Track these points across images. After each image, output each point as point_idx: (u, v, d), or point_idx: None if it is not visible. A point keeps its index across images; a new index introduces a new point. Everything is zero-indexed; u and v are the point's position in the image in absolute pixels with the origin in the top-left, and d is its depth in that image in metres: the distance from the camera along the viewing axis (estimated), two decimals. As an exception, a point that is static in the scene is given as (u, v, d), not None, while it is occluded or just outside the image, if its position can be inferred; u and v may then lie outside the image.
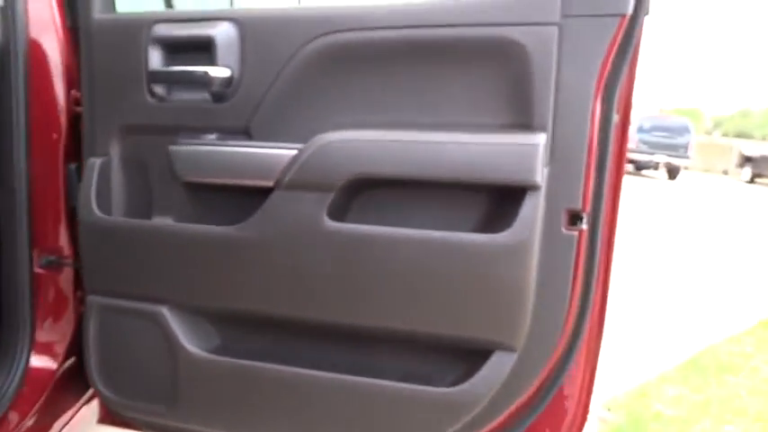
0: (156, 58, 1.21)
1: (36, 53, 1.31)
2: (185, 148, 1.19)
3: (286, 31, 1.13)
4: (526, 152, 1.03)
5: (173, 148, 1.19)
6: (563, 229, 1.08)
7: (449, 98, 1.10)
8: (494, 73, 1.07)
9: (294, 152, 1.12)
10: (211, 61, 1.17)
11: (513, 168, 1.03)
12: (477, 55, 1.07)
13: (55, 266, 1.44)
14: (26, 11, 1.28)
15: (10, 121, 1.31)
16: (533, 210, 1.05)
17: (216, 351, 1.27)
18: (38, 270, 1.43)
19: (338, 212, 1.13)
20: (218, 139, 1.19)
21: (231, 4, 3.03)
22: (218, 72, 1.16)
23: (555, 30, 1.01)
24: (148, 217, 1.30)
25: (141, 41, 1.20)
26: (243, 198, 1.21)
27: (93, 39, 1.23)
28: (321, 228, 1.12)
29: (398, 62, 1.11)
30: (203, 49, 1.18)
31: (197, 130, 1.21)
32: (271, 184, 1.14)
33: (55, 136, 1.36)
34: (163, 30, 1.20)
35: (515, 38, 1.03)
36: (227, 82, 1.17)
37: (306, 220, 1.12)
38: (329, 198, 1.11)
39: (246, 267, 1.18)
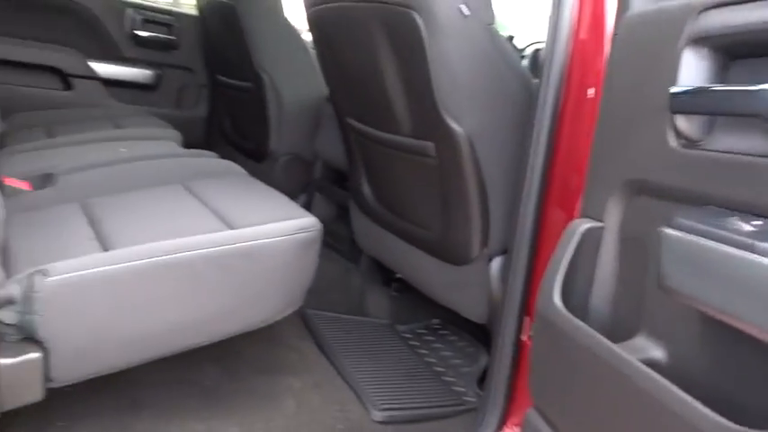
0: (695, 71, 0.68)
1: (574, 70, 0.99)
2: (686, 239, 0.62)
3: None
4: None
5: (667, 232, 0.65)
6: None
7: None
8: None
9: None
10: None
11: None
12: None
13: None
14: (574, 15, 0.97)
15: (527, 152, 1.05)
16: None
17: None
18: (524, 339, 1.15)
19: None
20: (761, 231, 0.57)
21: None
22: None
23: None
24: (633, 330, 0.79)
25: (677, 44, 0.69)
26: None
27: (618, 44, 0.81)
28: None
29: None
30: None
31: (736, 208, 0.63)
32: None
33: (579, 180, 1.02)
34: (715, 20, 0.65)
35: None
36: None
37: None
38: None
39: None
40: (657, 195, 0.75)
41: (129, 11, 2.46)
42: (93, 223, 1.15)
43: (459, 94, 1.11)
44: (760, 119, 0.60)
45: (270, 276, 1.10)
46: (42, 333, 0.89)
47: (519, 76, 1.17)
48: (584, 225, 0.85)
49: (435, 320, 1.81)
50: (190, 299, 1.01)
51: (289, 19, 2.05)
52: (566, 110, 1.02)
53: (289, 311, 1.18)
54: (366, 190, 1.64)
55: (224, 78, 2.34)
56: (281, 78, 2.06)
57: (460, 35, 1.07)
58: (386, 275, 1.86)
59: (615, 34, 0.84)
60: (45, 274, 0.90)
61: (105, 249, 1.00)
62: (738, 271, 0.56)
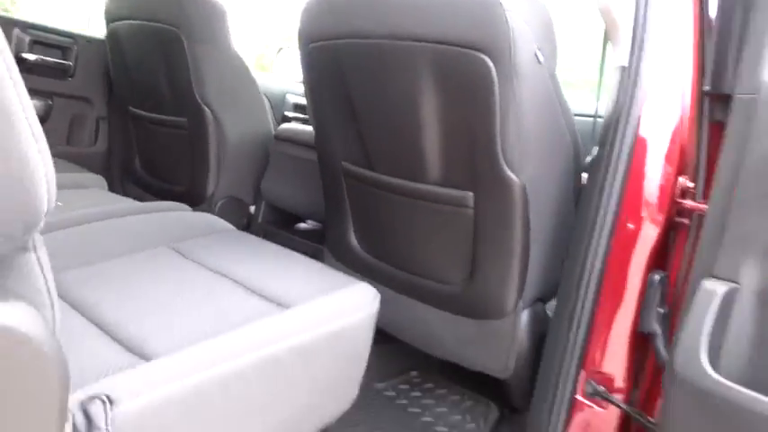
0: None
1: (648, 123, 1.00)
2: None
3: None
4: None
5: None
6: None
7: None
8: None
9: None
10: None
11: None
12: None
13: (598, 400, 1.09)
14: (650, 70, 0.98)
15: (597, 202, 1.03)
16: None
17: None
18: (578, 396, 1.11)
19: None
20: None
21: None
22: None
23: None
24: None
25: None
26: None
27: (743, 118, 0.82)
28: None
29: None
30: None
31: None
32: None
33: (644, 232, 1.02)
34: None
35: None
36: None
37: None
38: None
39: None
40: None
41: (17, 30, 2.07)
42: (92, 316, 0.89)
43: (524, 144, 1.06)
44: None
45: (346, 359, 0.95)
46: None
47: (571, 126, 1.16)
48: (719, 287, 0.83)
49: (414, 372, 1.72)
50: (270, 401, 0.83)
51: (236, 49, 1.86)
52: (636, 153, 1.01)
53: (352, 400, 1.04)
54: (353, 240, 1.51)
55: (141, 111, 2.05)
56: (226, 114, 1.85)
57: (534, 81, 1.03)
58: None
59: (747, 97, 0.84)
60: (110, 401, 0.66)
61: (142, 356, 0.77)
62: None
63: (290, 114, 2.60)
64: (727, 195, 0.83)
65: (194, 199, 1.96)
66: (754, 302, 0.81)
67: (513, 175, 1.09)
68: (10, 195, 0.49)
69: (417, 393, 1.62)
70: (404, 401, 1.57)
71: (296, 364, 0.86)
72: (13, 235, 0.51)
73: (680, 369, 0.83)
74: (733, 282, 0.82)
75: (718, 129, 0.91)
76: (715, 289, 0.82)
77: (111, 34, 2.01)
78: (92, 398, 0.66)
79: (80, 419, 0.64)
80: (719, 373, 0.81)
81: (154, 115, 1.99)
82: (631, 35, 0.96)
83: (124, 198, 1.53)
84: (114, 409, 0.66)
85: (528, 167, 1.08)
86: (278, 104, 2.98)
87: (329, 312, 0.94)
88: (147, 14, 1.83)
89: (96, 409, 0.65)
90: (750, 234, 0.80)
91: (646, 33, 0.94)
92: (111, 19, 1.99)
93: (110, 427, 0.65)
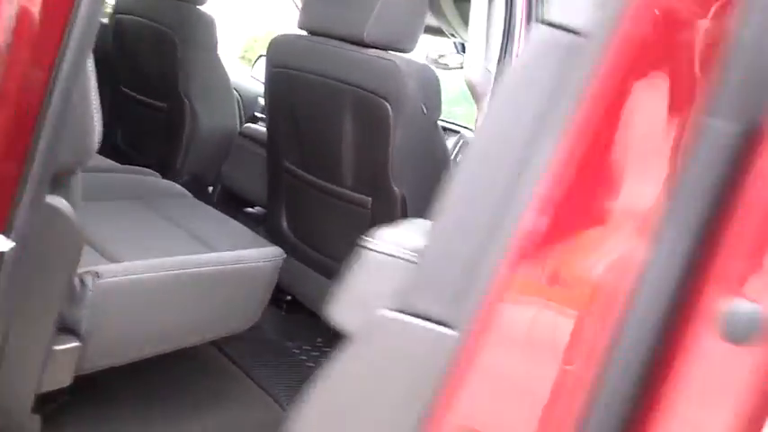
0: None
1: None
2: None
3: None
4: None
5: None
6: None
7: None
8: None
9: None
10: None
11: None
12: None
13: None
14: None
15: None
16: None
17: None
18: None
19: None
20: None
21: None
22: None
23: None
24: None
25: None
26: None
27: None
28: None
29: None
30: None
31: None
32: None
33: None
34: None
35: None
36: None
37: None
38: None
39: None
40: None
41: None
42: None
43: (406, 168, 1.49)
44: None
45: (250, 292, 1.36)
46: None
47: (446, 159, 1.60)
48: None
49: (319, 339, 2.12)
50: (193, 305, 1.25)
51: (219, 56, 2.26)
52: None
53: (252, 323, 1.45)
54: (284, 224, 1.92)
55: (129, 92, 2.42)
56: (202, 107, 2.24)
57: (418, 126, 1.46)
58: (278, 297, 2.13)
59: None
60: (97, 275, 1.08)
61: (112, 260, 1.17)
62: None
63: (259, 115, 2.99)
64: None
65: (162, 172, 2.33)
66: None
67: (396, 188, 1.52)
68: (80, 137, 0.90)
69: (317, 354, 2.02)
70: (304, 357, 1.97)
71: (216, 283, 1.28)
72: (81, 162, 0.92)
73: None
74: None
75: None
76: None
77: (118, 23, 2.39)
78: (86, 272, 1.07)
79: (77, 282, 1.06)
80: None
81: (140, 97, 2.37)
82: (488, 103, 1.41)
83: (109, 160, 1.91)
84: (98, 280, 1.07)
85: (407, 184, 1.52)
86: (249, 104, 3.38)
87: (243, 256, 1.35)
88: (150, 15, 2.22)
89: (88, 278, 1.06)
90: None
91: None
92: (119, 11, 2.37)
93: (95, 290, 1.07)
